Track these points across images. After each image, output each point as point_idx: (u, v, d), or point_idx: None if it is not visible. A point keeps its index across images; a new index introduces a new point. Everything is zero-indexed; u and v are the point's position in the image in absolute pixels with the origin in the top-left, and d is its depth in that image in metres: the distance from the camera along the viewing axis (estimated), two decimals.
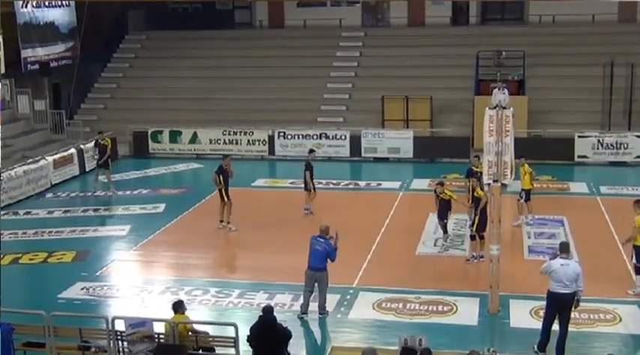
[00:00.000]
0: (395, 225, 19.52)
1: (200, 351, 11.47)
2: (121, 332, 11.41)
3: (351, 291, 15.07)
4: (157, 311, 13.71)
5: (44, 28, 30.70)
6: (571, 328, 12.31)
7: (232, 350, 11.22)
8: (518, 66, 29.39)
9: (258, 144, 28.21)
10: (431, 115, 29.00)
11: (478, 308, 14.14)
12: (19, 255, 17.71)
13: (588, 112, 28.57)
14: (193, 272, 16.71)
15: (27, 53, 29.49)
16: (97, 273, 16.56)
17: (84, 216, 21.24)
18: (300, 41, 34.14)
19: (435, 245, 17.91)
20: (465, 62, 30.54)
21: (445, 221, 17.51)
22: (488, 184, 13.97)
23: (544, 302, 12.41)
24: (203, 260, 17.63)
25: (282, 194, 23.17)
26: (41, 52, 30.34)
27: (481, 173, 15.83)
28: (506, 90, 24.09)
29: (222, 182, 19.05)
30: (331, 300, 14.24)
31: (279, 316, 11.77)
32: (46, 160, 24.14)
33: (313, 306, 13.93)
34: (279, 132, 28.07)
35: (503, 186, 14.16)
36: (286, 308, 14.29)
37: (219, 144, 28.24)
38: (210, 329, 11.95)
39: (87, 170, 25.26)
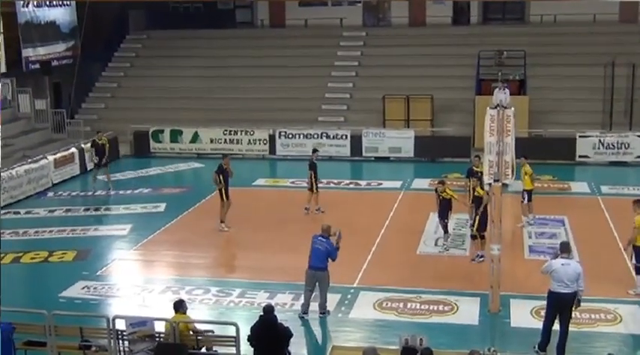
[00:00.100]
0: (396, 225, 19.52)
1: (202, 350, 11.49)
2: (122, 331, 11.42)
3: (351, 291, 15.07)
4: (158, 310, 13.74)
5: (45, 28, 30.74)
6: (572, 328, 12.31)
7: (233, 350, 11.20)
8: (520, 66, 29.39)
9: (259, 143, 28.20)
10: (432, 115, 29.00)
11: (479, 307, 14.14)
12: (20, 254, 17.72)
13: (589, 112, 28.56)
14: (194, 272, 16.71)
15: (28, 52, 29.55)
16: (98, 272, 16.57)
17: (85, 216, 21.25)
18: (302, 40, 34.13)
19: (435, 244, 17.91)
20: (466, 62, 30.56)
21: (446, 220, 17.49)
22: (489, 184, 13.96)
23: (545, 302, 12.41)
24: (204, 259, 17.63)
25: (283, 193, 23.18)
26: (42, 52, 30.39)
27: (481, 173, 15.82)
28: (507, 90, 24.17)
29: (222, 181, 19.05)
30: (332, 300, 14.24)
31: (280, 315, 11.79)
32: (47, 159, 24.15)
33: (314, 306, 13.93)
34: (280, 132, 28.07)
35: (504, 185, 14.16)
36: (287, 308, 14.29)
37: (220, 143, 28.23)
38: (211, 329, 11.93)
39: (88, 169, 25.26)
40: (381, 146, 27.35)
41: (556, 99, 29.25)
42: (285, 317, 12.94)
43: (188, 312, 11.88)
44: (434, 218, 18.46)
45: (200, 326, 11.74)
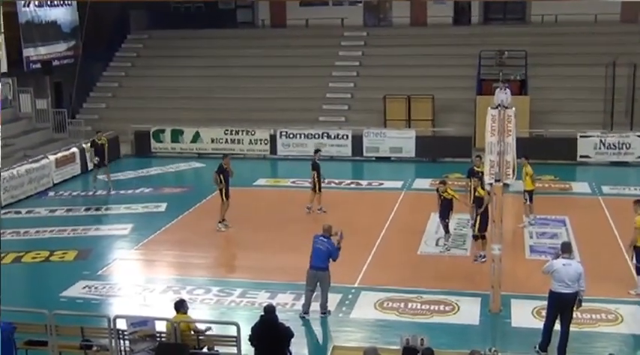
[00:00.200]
0: (397, 225, 19.51)
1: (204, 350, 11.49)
2: (123, 330, 11.42)
3: (352, 291, 15.06)
4: (159, 310, 13.73)
5: (46, 27, 30.76)
6: (573, 328, 12.31)
7: (234, 350, 11.21)
8: (521, 66, 29.40)
9: (260, 143, 28.20)
10: (433, 115, 29.00)
11: (480, 307, 14.13)
12: (21, 254, 17.73)
13: (590, 112, 28.55)
14: (195, 272, 16.71)
15: (29, 52, 29.56)
16: (99, 272, 16.57)
17: (86, 215, 21.26)
18: (303, 40, 34.14)
19: (436, 244, 17.90)
20: (467, 62, 30.56)
21: (447, 220, 17.48)
22: (490, 184, 13.96)
23: (546, 302, 12.40)
24: (205, 259, 17.63)
25: (283, 193, 23.18)
26: (43, 51, 30.40)
27: (482, 173, 15.82)
28: (508, 90, 24.13)
29: (222, 181, 19.04)
30: (333, 300, 14.24)
31: (281, 315, 11.78)
32: (48, 159, 24.16)
33: (315, 306, 13.92)
34: (281, 132, 28.06)
35: (505, 185, 14.15)
36: (288, 308, 14.29)
37: (221, 143, 28.23)
38: (210, 326, 11.94)
39: (89, 169, 25.26)
40: (382, 146, 27.35)
41: (557, 100, 29.25)
42: (286, 317, 12.93)
43: (189, 312, 11.88)
44: (435, 218, 18.45)
45: (200, 325, 11.73)
